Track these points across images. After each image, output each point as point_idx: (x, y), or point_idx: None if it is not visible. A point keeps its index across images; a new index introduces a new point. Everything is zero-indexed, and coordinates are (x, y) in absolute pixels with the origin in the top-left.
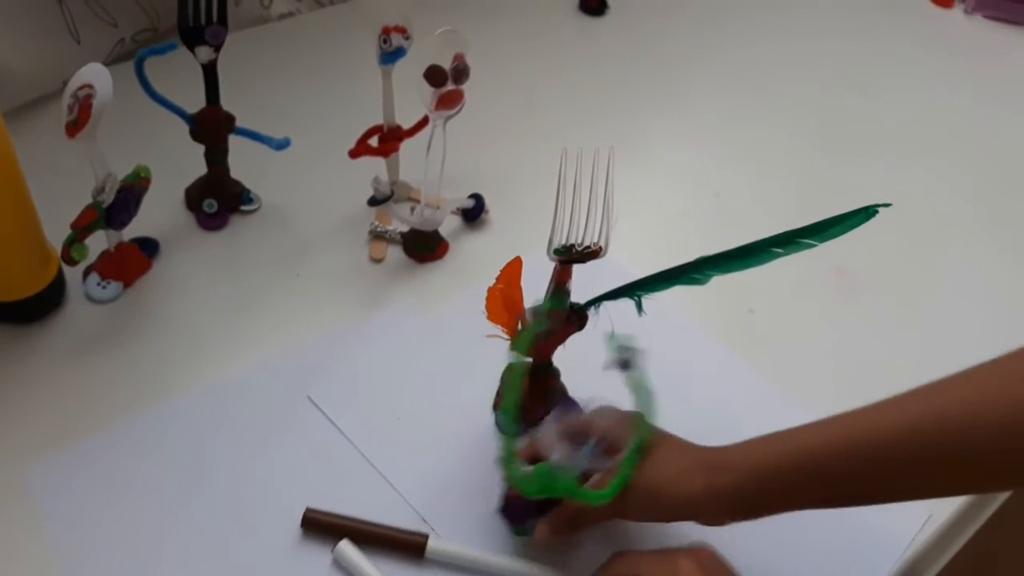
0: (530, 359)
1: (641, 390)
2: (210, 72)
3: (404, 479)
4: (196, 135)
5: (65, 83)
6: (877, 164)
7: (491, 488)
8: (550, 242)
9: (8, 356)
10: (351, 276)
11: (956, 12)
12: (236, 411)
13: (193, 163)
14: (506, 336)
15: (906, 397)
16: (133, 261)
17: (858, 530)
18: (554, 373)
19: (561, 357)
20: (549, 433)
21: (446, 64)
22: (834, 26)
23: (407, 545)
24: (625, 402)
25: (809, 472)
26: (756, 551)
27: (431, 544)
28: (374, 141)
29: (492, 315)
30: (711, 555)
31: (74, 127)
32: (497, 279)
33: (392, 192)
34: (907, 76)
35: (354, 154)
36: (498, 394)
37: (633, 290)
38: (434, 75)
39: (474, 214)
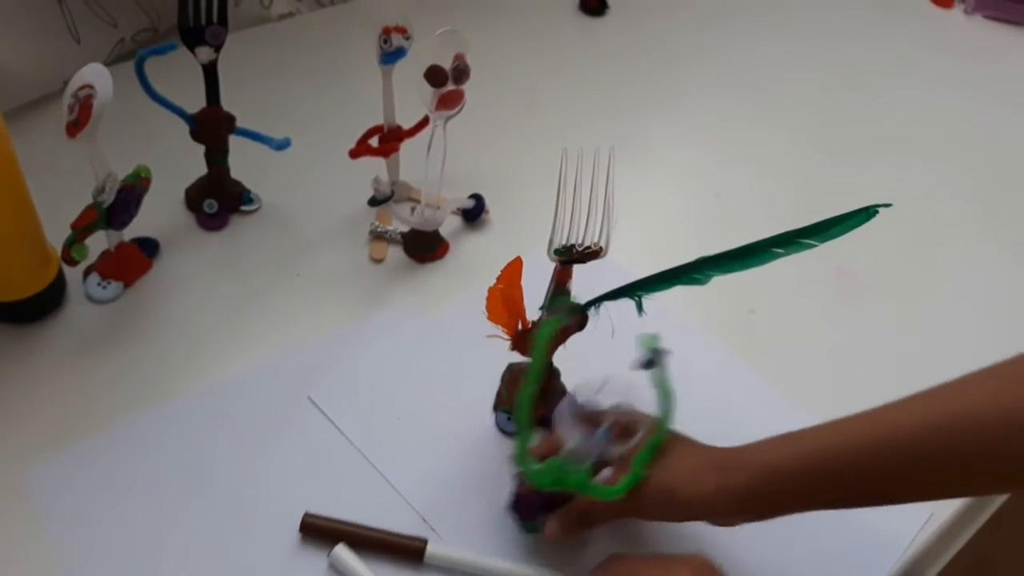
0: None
1: (663, 391)
2: (210, 72)
3: (404, 479)
4: (196, 135)
5: (65, 83)
6: (877, 164)
7: (491, 487)
8: (550, 242)
9: (8, 356)
10: (351, 276)
11: (956, 12)
12: (236, 411)
13: (193, 163)
14: (506, 336)
15: (920, 397)
16: (133, 261)
17: (858, 530)
18: (554, 373)
19: (561, 357)
20: (565, 415)
21: (446, 64)
22: (834, 26)
23: (406, 550)
24: (623, 404)
25: (821, 473)
26: (756, 551)
27: (430, 549)
28: (374, 141)
29: (492, 315)
30: (707, 564)
31: (74, 127)
32: (497, 279)
33: (392, 192)
34: (907, 76)
35: (354, 154)
36: (498, 394)
37: (633, 290)
38: (434, 75)
39: (474, 214)
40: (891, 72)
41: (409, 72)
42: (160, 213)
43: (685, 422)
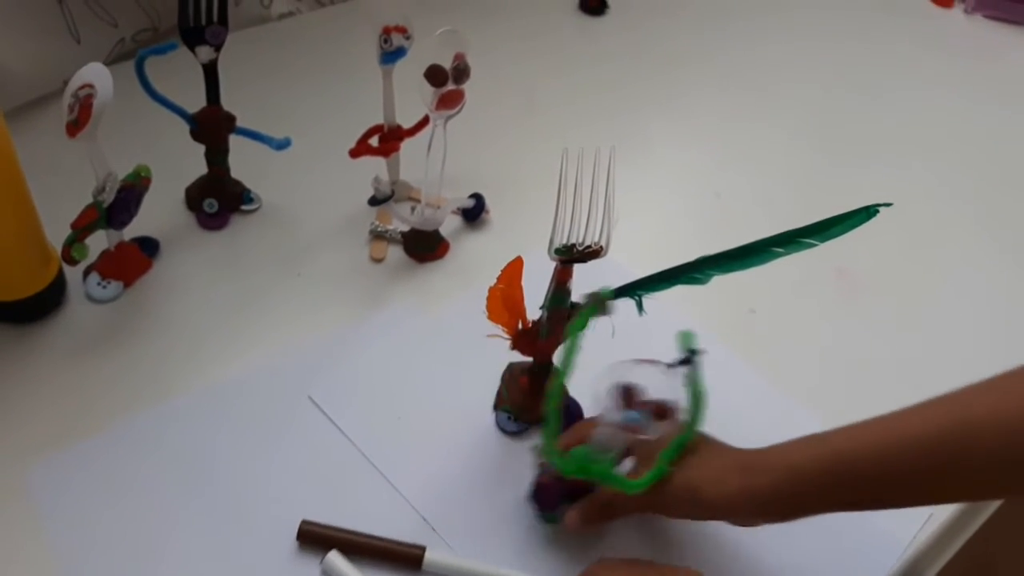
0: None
1: (695, 390)
2: (210, 72)
3: (404, 479)
4: (196, 135)
5: (65, 83)
6: (877, 164)
7: (492, 486)
8: (551, 242)
9: (8, 356)
10: (351, 276)
11: (956, 12)
12: (236, 411)
13: (193, 163)
14: (506, 336)
15: (939, 402)
16: (133, 261)
17: (858, 530)
18: (555, 373)
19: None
20: (605, 390)
21: (446, 64)
22: (834, 26)
23: (404, 557)
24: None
25: (843, 475)
26: (757, 550)
27: (428, 556)
28: (374, 141)
29: (493, 315)
30: None
31: (75, 127)
32: (498, 279)
33: (392, 192)
34: (907, 76)
35: (354, 154)
36: (499, 393)
37: (634, 290)
38: (435, 75)
39: (474, 214)
40: (891, 72)
41: (409, 72)
42: (160, 213)
43: None
